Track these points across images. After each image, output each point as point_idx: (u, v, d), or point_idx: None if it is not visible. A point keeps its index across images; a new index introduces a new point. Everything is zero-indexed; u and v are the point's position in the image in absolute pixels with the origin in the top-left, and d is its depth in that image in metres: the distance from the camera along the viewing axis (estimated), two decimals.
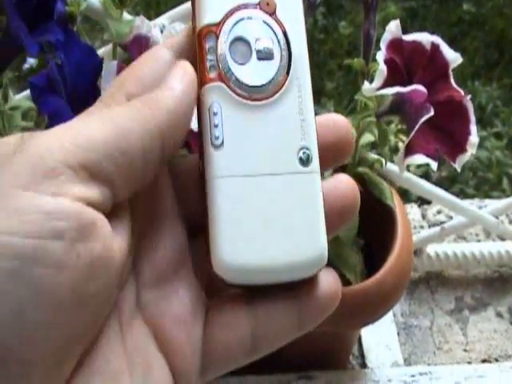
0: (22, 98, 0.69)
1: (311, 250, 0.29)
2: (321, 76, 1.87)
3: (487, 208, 0.87)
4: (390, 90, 0.58)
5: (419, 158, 0.58)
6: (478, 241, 0.95)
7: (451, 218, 0.96)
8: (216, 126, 0.29)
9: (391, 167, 0.75)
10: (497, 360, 0.82)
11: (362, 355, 0.81)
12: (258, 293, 0.30)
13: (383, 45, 0.60)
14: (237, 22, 0.31)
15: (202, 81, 0.30)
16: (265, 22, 0.31)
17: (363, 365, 0.80)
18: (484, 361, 0.82)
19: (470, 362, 0.81)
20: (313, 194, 0.30)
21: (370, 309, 0.68)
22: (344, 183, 0.32)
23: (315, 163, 0.30)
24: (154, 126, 0.28)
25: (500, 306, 0.88)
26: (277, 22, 0.31)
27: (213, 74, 0.30)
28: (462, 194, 1.56)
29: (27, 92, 0.76)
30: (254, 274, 0.29)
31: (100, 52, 0.65)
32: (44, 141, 0.26)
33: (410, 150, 0.58)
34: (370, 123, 0.67)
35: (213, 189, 0.29)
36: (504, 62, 1.99)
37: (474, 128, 0.60)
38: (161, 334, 0.29)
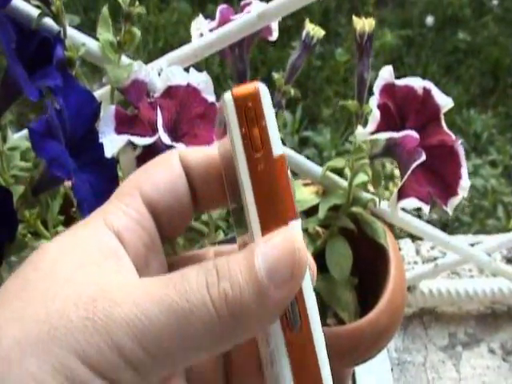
0: (20, 138, 0.70)
1: None
2: (317, 102, 1.88)
3: (480, 245, 0.87)
4: (383, 135, 0.59)
5: (412, 202, 0.59)
6: (471, 276, 0.96)
7: (445, 253, 0.97)
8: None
9: (384, 206, 0.76)
10: None
11: None
12: None
13: (376, 90, 0.62)
14: None
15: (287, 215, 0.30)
16: None
17: None
18: None
19: None
20: None
21: (364, 348, 0.69)
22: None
23: None
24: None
25: (493, 342, 0.88)
26: None
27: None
28: (458, 222, 1.57)
29: (26, 131, 0.77)
30: None
31: (98, 93, 0.66)
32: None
33: (402, 194, 0.59)
34: (363, 165, 0.68)
35: None
36: (499, 90, 2.01)
37: (465, 172, 0.61)
38: None
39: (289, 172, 0.30)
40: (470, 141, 1.84)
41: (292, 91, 0.80)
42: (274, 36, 0.82)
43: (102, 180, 0.57)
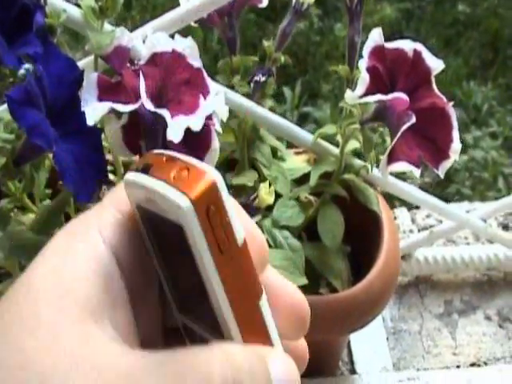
0: (3, 110, 0.69)
1: None
2: (317, 78, 1.87)
3: (475, 212, 0.86)
4: (372, 98, 0.58)
5: (402, 166, 0.58)
6: (467, 244, 0.95)
7: (441, 221, 0.96)
8: None
9: (377, 173, 0.74)
10: (486, 363, 0.82)
11: (351, 361, 0.81)
12: None
13: (366, 52, 0.60)
14: None
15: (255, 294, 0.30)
16: None
17: (352, 371, 0.80)
18: (473, 364, 0.82)
19: (458, 366, 0.81)
20: None
21: (358, 315, 0.68)
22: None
23: None
24: None
25: (489, 309, 0.87)
26: None
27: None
28: (458, 195, 1.55)
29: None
30: None
31: (82, 63, 0.65)
32: None
33: (392, 157, 0.58)
34: (354, 130, 0.66)
35: None
36: (499, 61, 1.99)
37: (456, 134, 0.59)
38: None
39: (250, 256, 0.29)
40: (470, 113, 1.83)
41: (282, 58, 0.79)
42: (264, 3, 0.80)
43: (85, 150, 0.55)
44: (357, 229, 0.72)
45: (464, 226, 0.84)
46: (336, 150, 0.73)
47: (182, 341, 0.34)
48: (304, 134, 0.73)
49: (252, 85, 0.75)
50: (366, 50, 0.60)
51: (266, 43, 0.80)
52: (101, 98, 0.55)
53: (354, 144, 0.71)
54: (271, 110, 0.75)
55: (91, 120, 0.53)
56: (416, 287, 0.89)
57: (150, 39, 0.60)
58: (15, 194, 0.64)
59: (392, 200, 0.95)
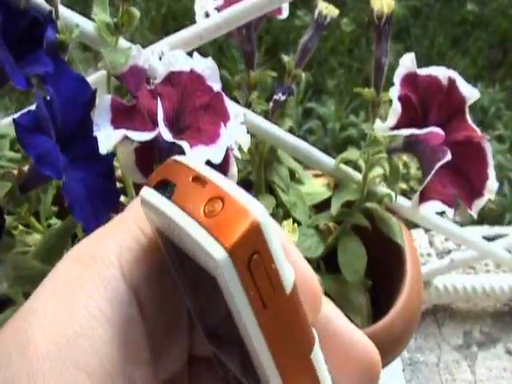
0: (10, 124, 0.65)
1: None
2: (322, 73, 1.82)
3: (499, 241, 0.83)
4: (405, 132, 0.54)
5: (435, 205, 0.54)
6: (488, 271, 0.91)
7: (459, 245, 0.93)
8: None
9: (401, 202, 0.71)
10: None
11: None
12: None
13: (397, 80, 0.56)
14: None
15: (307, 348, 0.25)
16: None
17: None
18: None
19: None
20: None
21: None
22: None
23: None
24: None
25: (510, 342, 0.84)
26: None
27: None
28: None
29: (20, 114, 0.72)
30: None
31: (92, 79, 0.61)
32: None
33: (425, 196, 0.54)
34: (380, 159, 0.63)
35: None
36: (507, 63, 1.96)
37: (492, 172, 0.56)
38: None
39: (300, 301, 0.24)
40: (477, 115, 1.79)
41: (303, 75, 0.75)
42: (284, 15, 0.76)
43: (96, 178, 0.52)
44: (378, 260, 0.68)
45: (487, 256, 0.80)
46: (358, 176, 0.69)
47: (210, 369, 0.29)
48: (325, 159, 0.69)
49: (271, 104, 0.72)
50: (398, 77, 0.57)
51: (285, 58, 0.76)
52: (114, 123, 0.52)
53: (377, 170, 0.68)
54: (290, 130, 0.71)
55: (104, 148, 0.49)
56: (434, 316, 0.86)
57: (167, 57, 0.56)
58: (20, 212, 0.60)
59: (408, 221, 0.91)
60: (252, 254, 0.21)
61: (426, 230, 0.97)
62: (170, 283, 0.26)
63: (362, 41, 1.77)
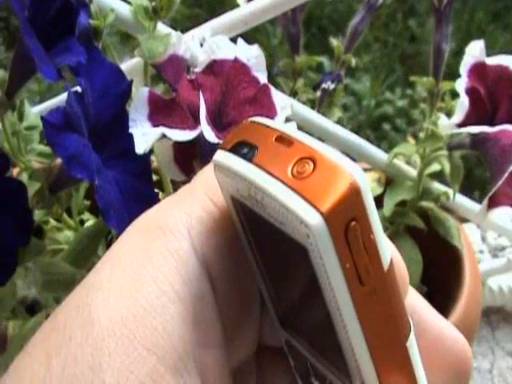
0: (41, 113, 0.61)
1: None
2: (356, 48, 1.77)
3: None
4: (474, 129, 0.49)
5: (506, 211, 0.48)
6: None
7: None
8: None
9: (459, 200, 0.65)
10: None
11: None
12: None
13: (464, 71, 0.51)
14: None
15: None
16: None
17: None
18: None
19: None
20: None
21: None
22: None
23: None
24: None
25: None
26: None
27: None
28: None
29: (49, 102, 0.68)
30: None
31: (127, 66, 0.57)
32: None
33: (494, 201, 0.49)
34: (439, 157, 0.57)
35: None
36: None
37: None
38: None
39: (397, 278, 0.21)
40: None
41: (353, 61, 0.69)
42: None
43: (132, 179, 0.47)
44: (432, 264, 0.63)
45: None
46: (413, 172, 0.63)
47: (278, 359, 0.26)
48: (377, 153, 0.64)
49: (319, 93, 0.66)
50: (465, 68, 0.51)
51: (334, 42, 0.70)
52: (152, 119, 0.47)
53: (433, 166, 0.62)
54: (339, 121, 0.66)
55: (141, 148, 0.45)
56: (487, 318, 0.80)
57: (208, 43, 0.51)
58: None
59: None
60: (350, 221, 0.18)
61: (478, 225, 0.91)
62: (243, 260, 0.23)
63: (399, 15, 1.70)
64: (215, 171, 0.22)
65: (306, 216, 0.18)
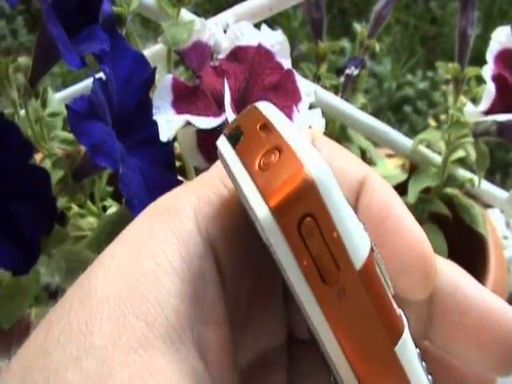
0: (63, 100, 0.61)
1: None
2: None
3: None
4: (501, 117, 0.48)
5: None
6: None
7: None
8: None
9: (485, 187, 0.65)
10: None
11: None
12: None
13: (490, 57, 0.50)
14: None
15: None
16: None
17: None
18: None
19: None
20: None
21: None
22: None
23: None
24: None
25: None
26: None
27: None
28: None
29: (72, 89, 0.68)
30: None
31: (150, 52, 0.56)
32: None
33: None
34: (464, 144, 0.57)
35: None
36: None
37: None
38: None
39: (378, 268, 0.20)
40: None
41: (377, 46, 0.69)
42: None
43: (156, 167, 0.47)
44: (457, 252, 0.62)
45: None
46: (438, 159, 0.63)
47: (312, 353, 0.25)
48: (401, 139, 0.63)
49: (342, 78, 0.66)
50: (491, 54, 0.50)
51: (358, 27, 0.70)
52: (176, 106, 0.47)
53: (458, 153, 0.62)
54: (363, 107, 0.66)
55: (165, 135, 0.45)
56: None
57: (232, 29, 0.51)
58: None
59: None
60: (303, 216, 0.18)
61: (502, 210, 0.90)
62: (255, 243, 0.23)
63: None
64: (218, 155, 0.22)
65: (257, 210, 0.18)
